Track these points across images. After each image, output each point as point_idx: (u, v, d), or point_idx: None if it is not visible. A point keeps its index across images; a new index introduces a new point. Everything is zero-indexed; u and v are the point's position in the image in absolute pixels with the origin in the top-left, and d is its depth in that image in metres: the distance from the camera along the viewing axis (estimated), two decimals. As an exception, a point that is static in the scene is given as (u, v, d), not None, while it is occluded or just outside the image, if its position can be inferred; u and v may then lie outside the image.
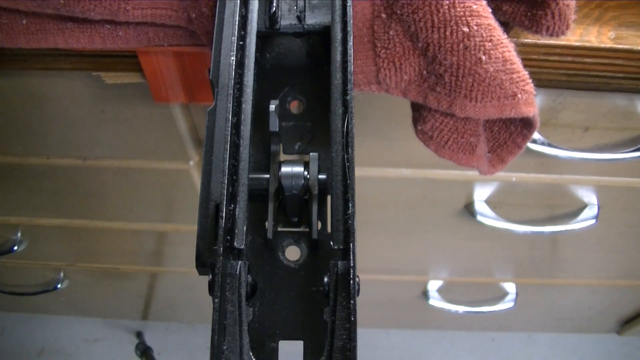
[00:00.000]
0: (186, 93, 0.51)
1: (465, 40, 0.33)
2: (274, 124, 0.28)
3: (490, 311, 1.10)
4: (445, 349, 1.40)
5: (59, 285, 1.04)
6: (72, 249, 0.95)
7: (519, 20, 0.36)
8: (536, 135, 0.59)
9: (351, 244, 0.25)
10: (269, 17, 0.31)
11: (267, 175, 0.28)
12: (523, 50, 0.39)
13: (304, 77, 0.33)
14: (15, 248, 0.88)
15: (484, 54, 0.33)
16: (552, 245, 0.91)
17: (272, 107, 0.27)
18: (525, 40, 0.40)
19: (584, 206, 0.77)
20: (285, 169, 0.28)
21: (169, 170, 0.68)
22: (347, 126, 0.27)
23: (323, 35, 0.32)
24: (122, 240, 0.90)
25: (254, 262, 0.28)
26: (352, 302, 0.24)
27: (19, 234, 0.88)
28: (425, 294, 1.09)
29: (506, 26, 0.37)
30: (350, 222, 0.25)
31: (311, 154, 0.29)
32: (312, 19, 0.32)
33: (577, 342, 1.41)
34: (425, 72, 0.35)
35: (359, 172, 0.66)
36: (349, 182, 0.26)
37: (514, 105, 0.35)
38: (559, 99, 0.54)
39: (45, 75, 0.52)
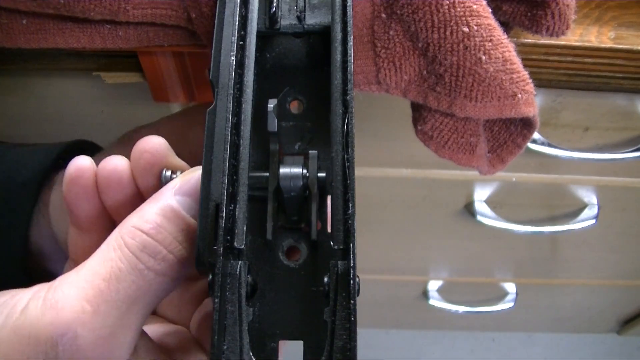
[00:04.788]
0: (186, 93, 0.51)
1: (465, 40, 0.33)
2: (272, 124, 0.28)
3: (490, 311, 1.10)
4: (445, 349, 1.41)
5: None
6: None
7: (519, 20, 0.36)
8: (536, 135, 0.59)
9: (351, 244, 0.25)
10: (269, 17, 0.31)
11: (267, 174, 0.28)
12: (523, 50, 0.39)
13: (304, 77, 0.33)
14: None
15: (484, 54, 0.33)
16: (552, 245, 0.91)
17: (271, 106, 0.27)
18: (525, 40, 0.40)
19: (584, 206, 0.77)
20: (283, 170, 0.28)
21: (169, 170, 0.68)
22: (347, 126, 0.27)
23: (323, 35, 0.32)
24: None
25: (254, 262, 0.28)
26: (352, 302, 0.24)
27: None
28: (425, 294, 1.09)
29: (506, 26, 0.37)
30: (350, 222, 0.25)
31: (310, 152, 0.29)
32: (312, 19, 0.32)
33: (577, 342, 1.41)
34: (425, 72, 0.35)
35: (359, 172, 0.66)
36: (349, 182, 0.26)
37: (514, 105, 0.35)
38: (559, 99, 0.54)
39: (45, 75, 0.52)
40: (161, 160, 0.30)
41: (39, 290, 0.24)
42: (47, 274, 0.41)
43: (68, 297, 0.24)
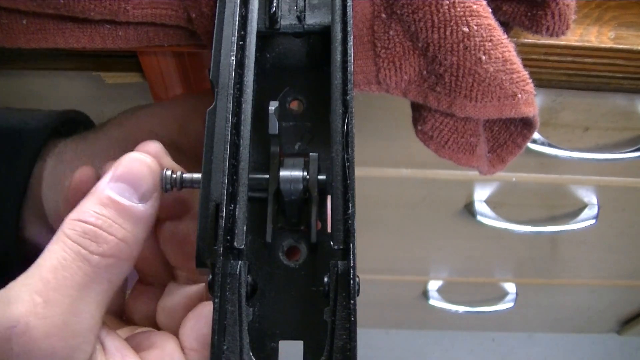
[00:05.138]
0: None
1: (465, 40, 0.33)
2: (274, 127, 0.28)
3: (490, 311, 1.10)
4: (445, 349, 1.41)
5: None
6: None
7: (519, 20, 0.36)
8: (536, 135, 0.59)
9: (351, 244, 0.25)
10: (269, 17, 0.31)
11: (267, 176, 0.28)
12: (523, 50, 0.39)
13: (304, 77, 0.33)
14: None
15: (484, 54, 0.33)
16: (552, 245, 0.91)
17: (272, 108, 0.27)
18: (525, 40, 0.40)
19: (584, 206, 0.77)
20: (283, 173, 0.28)
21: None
22: (347, 126, 0.27)
23: (323, 35, 0.32)
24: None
25: (254, 262, 0.28)
26: (352, 302, 0.24)
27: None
28: (425, 294, 1.09)
29: (506, 26, 0.37)
30: (350, 222, 0.25)
31: (311, 154, 0.29)
32: (312, 19, 0.32)
33: (577, 342, 1.41)
34: (425, 72, 0.35)
35: (359, 172, 0.66)
36: (349, 182, 0.26)
37: (514, 105, 0.35)
38: (559, 99, 0.54)
39: (45, 75, 0.52)
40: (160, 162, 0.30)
41: None
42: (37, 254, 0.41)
43: (18, 293, 0.24)
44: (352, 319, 0.24)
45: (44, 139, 0.39)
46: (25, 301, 0.24)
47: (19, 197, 0.38)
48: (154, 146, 0.31)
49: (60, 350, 0.24)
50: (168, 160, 0.32)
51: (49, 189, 0.38)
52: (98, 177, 0.31)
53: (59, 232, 0.26)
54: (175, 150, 0.33)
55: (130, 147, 0.38)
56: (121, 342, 0.28)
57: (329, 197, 0.29)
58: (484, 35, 0.33)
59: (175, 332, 0.31)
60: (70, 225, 0.26)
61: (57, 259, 0.25)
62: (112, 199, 0.27)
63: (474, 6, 0.33)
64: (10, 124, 0.40)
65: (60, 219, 0.38)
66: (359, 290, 0.25)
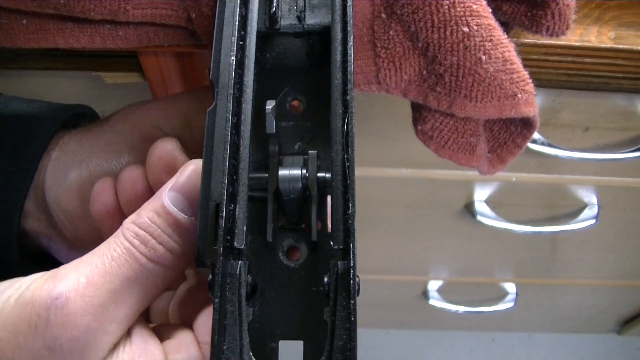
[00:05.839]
0: (186, 93, 0.51)
1: (465, 40, 0.33)
2: (271, 126, 0.28)
3: (490, 311, 1.10)
4: (445, 349, 1.41)
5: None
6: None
7: (519, 20, 0.36)
8: (536, 135, 0.59)
9: (351, 244, 0.25)
10: (269, 17, 0.31)
11: (267, 175, 0.28)
12: (523, 50, 0.39)
13: (304, 77, 0.33)
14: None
15: (484, 54, 0.33)
16: (552, 245, 0.91)
17: (269, 108, 0.27)
18: (525, 40, 0.40)
19: (584, 206, 0.77)
20: (282, 172, 0.28)
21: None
22: (347, 126, 0.27)
23: (323, 35, 0.32)
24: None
25: (254, 262, 0.28)
26: (352, 302, 0.24)
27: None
28: (425, 294, 1.09)
29: (506, 26, 0.37)
30: (350, 222, 0.25)
31: (310, 152, 0.29)
32: (312, 19, 0.32)
33: (577, 342, 1.41)
34: (425, 72, 0.35)
35: (359, 172, 0.66)
36: (349, 182, 0.26)
37: (514, 105, 0.35)
38: (559, 99, 0.54)
39: (45, 75, 0.52)
40: (174, 163, 0.32)
41: (45, 273, 0.27)
42: (37, 250, 0.41)
43: (66, 272, 0.26)
44: (352, 319, 0.24)
45: (53, 132, 0.39)
46: (70, 279, 0.26)
47: (25, 189, 0.38)
48: (170, 143, 0.33)
49: (91, 329, 0.26)
50: (183, 157, 0.33)
51: (51, 179, 0.39)
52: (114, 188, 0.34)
53: (118, 230, 0.28)
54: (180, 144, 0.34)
55: (135, 141, 0.39)
56: (148, 330, 0.29)
57: (329, 197, 0.29)
58: (484, 35, 0.33)
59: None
60: (127, 226, 0.28)
61: (109, 249, 0.27)
62: (167, 209, 0.28)
63: (474, 6, 0.33)
64: (18, 115, 0.40)
65: (61, 210, 0.38)
66: (359, 290, 0.25)
